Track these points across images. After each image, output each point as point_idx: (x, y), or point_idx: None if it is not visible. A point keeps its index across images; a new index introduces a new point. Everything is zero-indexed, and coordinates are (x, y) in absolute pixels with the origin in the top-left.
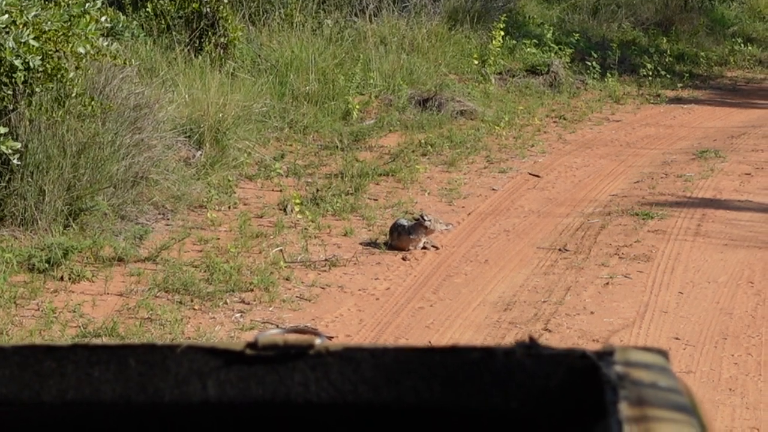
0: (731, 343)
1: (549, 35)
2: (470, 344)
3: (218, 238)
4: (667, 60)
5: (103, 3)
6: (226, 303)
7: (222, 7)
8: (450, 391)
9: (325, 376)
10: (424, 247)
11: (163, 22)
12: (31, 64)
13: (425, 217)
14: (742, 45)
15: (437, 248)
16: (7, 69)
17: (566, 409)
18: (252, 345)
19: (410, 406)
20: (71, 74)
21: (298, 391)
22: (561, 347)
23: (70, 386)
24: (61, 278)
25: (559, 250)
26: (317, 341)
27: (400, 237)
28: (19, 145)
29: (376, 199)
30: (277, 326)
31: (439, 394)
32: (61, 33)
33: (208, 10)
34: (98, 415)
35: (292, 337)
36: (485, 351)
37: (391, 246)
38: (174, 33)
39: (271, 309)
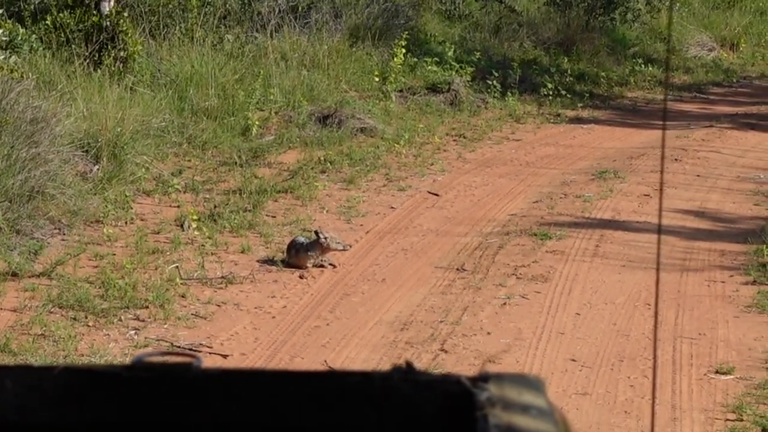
0: (627, 365)
1: (450, 53)
2: (348, 369)
3: (114, 254)
4: (567, 80)
5: (1, 15)
6: (120, 320)
7: (122, 20)
8: (327, 415)
9: (203, 399)
10: (321, 265)
11: (62, 35)
12: None
13: (321, 234)
14: (643, 66)
15: (335, 266)
16: None
17: None
18: (129, 367)
19: (287, 429)
20: None
21: (175, 413)
22: (437, 373)
23: None
24: None
25: (457, 269)
26: (194, 364)
27: (298, 255)
28: None
29: (274, 216)
30: (172, 345)
31: (316, 417)
32: None
33: (108, 23)
34: None
35: (170, 360)
36: (363, 375)
37: (288, 264)
38: (74, 46)
39: (166, 326)
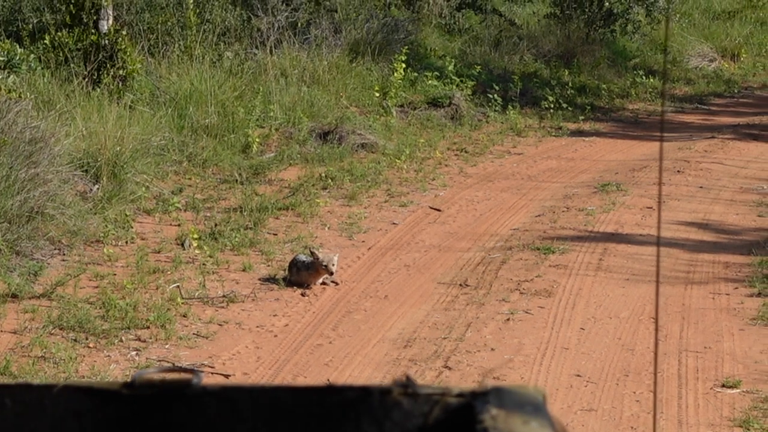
0: (633, 380)
1: (450, 67)
2: (348, 383)
3: (115, 274)
4: (568, 92)
5: None
6: (121, 340)
7: (121, 39)
8: (327, 430)
9: (203, 416)
10: (323, 283)
11: (61, 54)
12: None
13: (314, 252)
14: (644, 77)
15: (337, 284)
16: None
17: None
18: (129, 384)
19: None
20: None
21: (175, 430)
22: (437, 386)
23: None
24: None
25: (460, 285)
26: (194, 380)
27: (300, 272)
28: None
29: (276, 234)
30: (174, 365)
31: None
32: None
33: (107, 42)
34: None
35: (170, 377)
36: (362, 390)
37: (290, 281)
38: (72, 65)
39: (167, 347)
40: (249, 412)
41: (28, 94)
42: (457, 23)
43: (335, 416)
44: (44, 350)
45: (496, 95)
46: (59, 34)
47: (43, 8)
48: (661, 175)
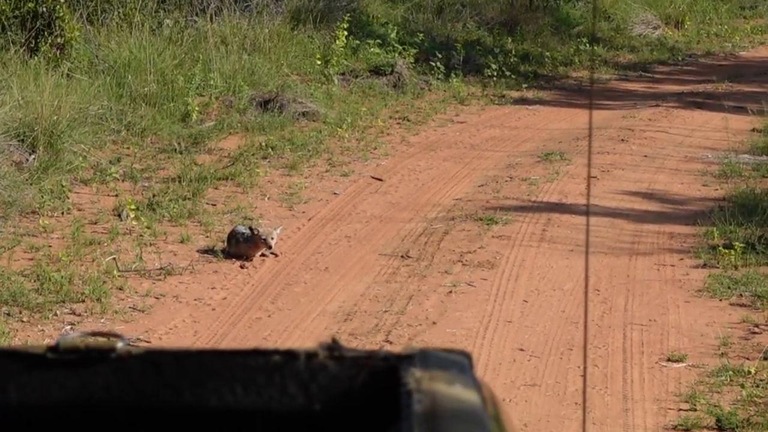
0: (577, 354)
1: (393, 35)
2: (273, 347)
3: (50, 246)
4: (512, 60)
5: None
6: (56, 315)
7: (59, 6)
8: (252, 394)
9: (127, 379)
10: (263, 255)
11: None
12: None
13: (255, 230)
14: (587, 45)
15: (276, 255)
16: None
17: (368, 411)
18: (53, 348)
19: (213, 409)
20: None
21: (99, 394)
22: (364, 349)
23: None
24: None
25: (402, 256)
26: (119, 344)
27: (239, 244)
28: None
29: (215, 205)
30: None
31: (242, 397)
32: None
33: (45, 9)
34: None
35: (94, 341)
36: (287, 353)
37: (229, 254)
38: (9, 33)
39: (102, 320)
40: (174, 375)
41: None
42: None
43: (261, 379)
44: None
45: (438, 63)
46: None
47: None
48: (590, 146)
